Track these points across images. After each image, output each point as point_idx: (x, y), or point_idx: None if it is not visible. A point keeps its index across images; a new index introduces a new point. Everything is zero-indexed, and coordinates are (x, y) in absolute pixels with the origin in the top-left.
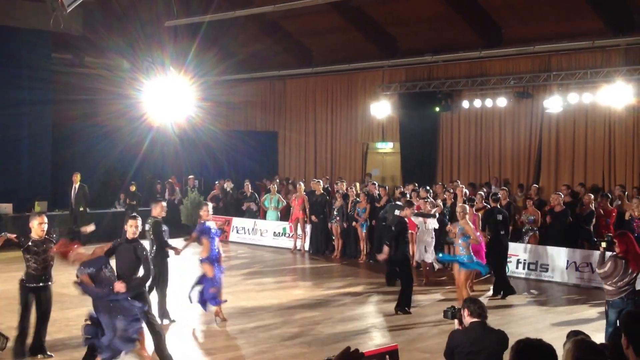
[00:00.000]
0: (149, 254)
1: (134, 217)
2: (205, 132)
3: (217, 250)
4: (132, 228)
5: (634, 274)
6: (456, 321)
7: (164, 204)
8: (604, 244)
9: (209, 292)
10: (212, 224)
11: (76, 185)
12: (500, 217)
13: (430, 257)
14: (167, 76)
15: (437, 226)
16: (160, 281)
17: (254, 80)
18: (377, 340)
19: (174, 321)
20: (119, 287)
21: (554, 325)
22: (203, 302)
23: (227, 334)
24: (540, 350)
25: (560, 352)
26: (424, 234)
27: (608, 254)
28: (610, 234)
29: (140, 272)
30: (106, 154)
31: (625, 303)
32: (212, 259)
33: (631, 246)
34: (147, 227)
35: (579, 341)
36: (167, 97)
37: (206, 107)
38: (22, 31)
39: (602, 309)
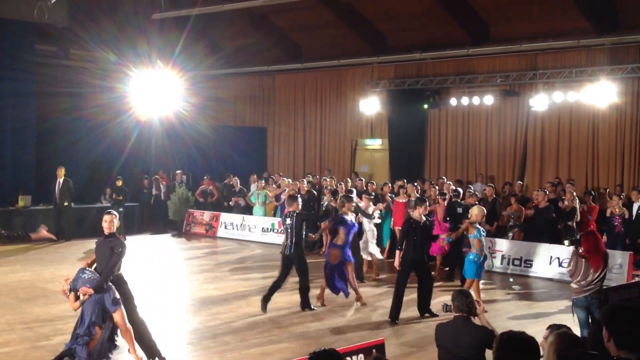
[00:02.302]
0: (125, 249)
1: (108, 213)
2: (193, 127)
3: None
4: (104, 223)
5: (596, 274)
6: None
7: (300, 200)
8: (566, 242)
9: (339, 280)
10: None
11: (60, 179)
12: (460, 210)
13: (366, 253)
14: (154, 70)
15: (373, 229)
16: (303, 272)
17: (242, 75)
18: (363, 334)
19: (314, 309)
20: (83, 291)
21: (537, 320)
22: (341, 287)
23: (214, 329)
24: (523, 342)
25: None
26: (365, 232)
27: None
28: (580, 234)
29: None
30: (92, 148)
31: (589, 302)
32: (344, 248)
33: (593, 246)
34: (288, 221)
35: (561, 334)
36: (155, 91)
37: (194, 102)
38: (5, 22)
39: None
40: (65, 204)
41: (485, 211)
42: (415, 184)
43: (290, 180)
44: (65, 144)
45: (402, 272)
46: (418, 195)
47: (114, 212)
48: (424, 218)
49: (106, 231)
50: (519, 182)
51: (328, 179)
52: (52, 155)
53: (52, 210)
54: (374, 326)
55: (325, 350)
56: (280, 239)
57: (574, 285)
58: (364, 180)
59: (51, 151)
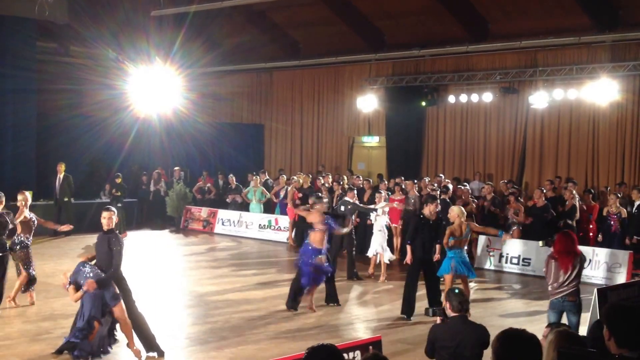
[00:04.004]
0: (122, 246)
1: (107, 209)
2: (191, 123)
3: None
4: (103, 220)
5: (566, 275)
6: (438, 319)
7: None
8: (541, 243)
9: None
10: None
11: (61, 175)
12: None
13: (371, 251)
14: (153, 66)
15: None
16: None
17: (240, 71)
18: (360, 331)
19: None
20: (88, 285)
21: (536, 318)
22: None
23: (211, 325)
24: (524, 340)
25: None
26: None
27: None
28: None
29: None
30: (91, 145)
31: (562, 305)
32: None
33: (564, 246)
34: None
35: (561, 332)
36: (153, 88)
37: (192, 99)
38: (6, 19)
39: (583, 302)
40: (66, 199)
41: (465, 211)
42: (415, 181)
43: (295, 177)
44: (65, 141)
45: (412, 269)
46: (417, 193)
47: (113, 209)
48: (434, 215)
49: (105, 227)
50: (502, 181)
51: (323, 176)
52: (53, 152)
53: (53, 206)
54: (371, 323)
55: (323, 345)
56: (277, 235)
57: (549, 287)
58: (361, 177)
59: (51, 147)
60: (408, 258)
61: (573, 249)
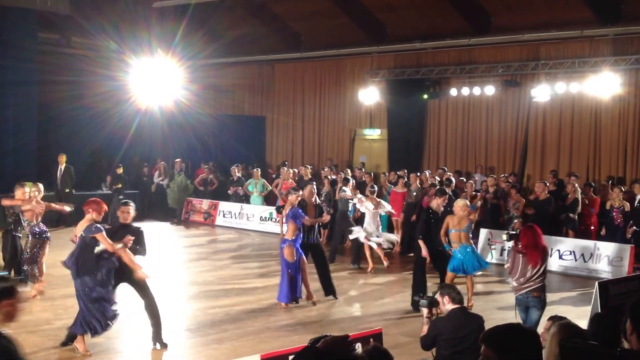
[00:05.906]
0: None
1: (125, 204)
2: (192, 115)
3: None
4: (123, 214)
5: (534, 270)
6: (425, 310)
7: (314, 186)
8: (505, 237)
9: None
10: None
11: (62, 166)
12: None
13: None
14: (154, 58)
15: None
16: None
17: (242, 63)
18: (361, 324)
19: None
20: (127, 240)
21: None
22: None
23: (212, 317)
24: (523, 333)
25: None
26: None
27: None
28: (519, 228)
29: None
30: (93, 136)
31: (526, 300)
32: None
33: (531, 240)
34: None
35: (563, 325)
36: (155, 80)
37: (194, 91)
38: (7, 10)
39: (585, 295)
40: (67, 190)
41: (469, 203)
42: (418, 174)
43: (295, 170)
44: (66, 132)
45: (418, 263)
46: (419, 186)
47: (131, 203)
48: (442, 209)
49: (122, 221)
50: (503, 175)
51: (326, 169)
52: (54, 143)
53: (54, 197)
54: (372, 316)
55: (325, 336)
56: (278, 227)
57: (514, 283)
58: (363, 171)
59: (53, 139)
60: (424, 253)
61: (540, 243)
